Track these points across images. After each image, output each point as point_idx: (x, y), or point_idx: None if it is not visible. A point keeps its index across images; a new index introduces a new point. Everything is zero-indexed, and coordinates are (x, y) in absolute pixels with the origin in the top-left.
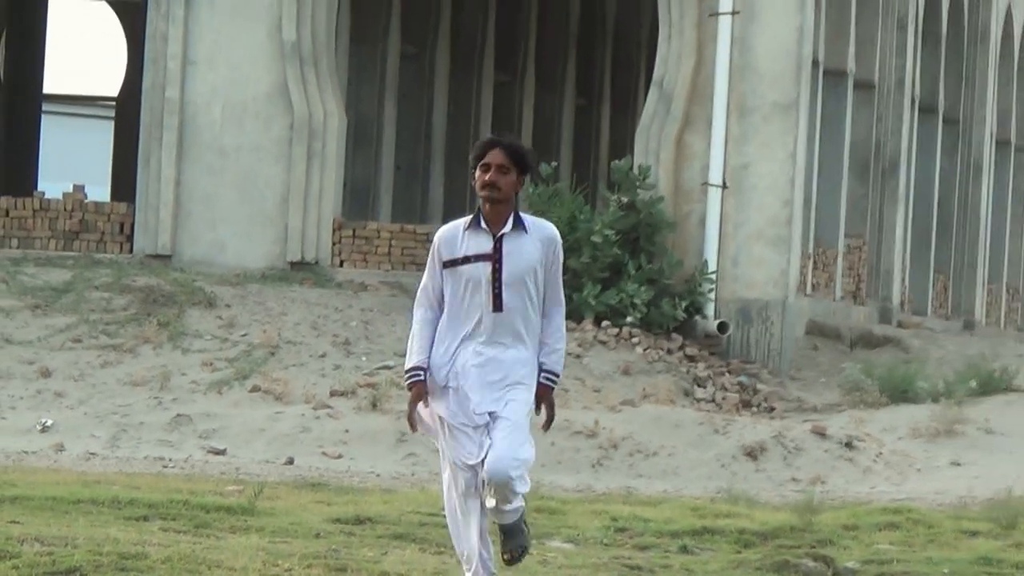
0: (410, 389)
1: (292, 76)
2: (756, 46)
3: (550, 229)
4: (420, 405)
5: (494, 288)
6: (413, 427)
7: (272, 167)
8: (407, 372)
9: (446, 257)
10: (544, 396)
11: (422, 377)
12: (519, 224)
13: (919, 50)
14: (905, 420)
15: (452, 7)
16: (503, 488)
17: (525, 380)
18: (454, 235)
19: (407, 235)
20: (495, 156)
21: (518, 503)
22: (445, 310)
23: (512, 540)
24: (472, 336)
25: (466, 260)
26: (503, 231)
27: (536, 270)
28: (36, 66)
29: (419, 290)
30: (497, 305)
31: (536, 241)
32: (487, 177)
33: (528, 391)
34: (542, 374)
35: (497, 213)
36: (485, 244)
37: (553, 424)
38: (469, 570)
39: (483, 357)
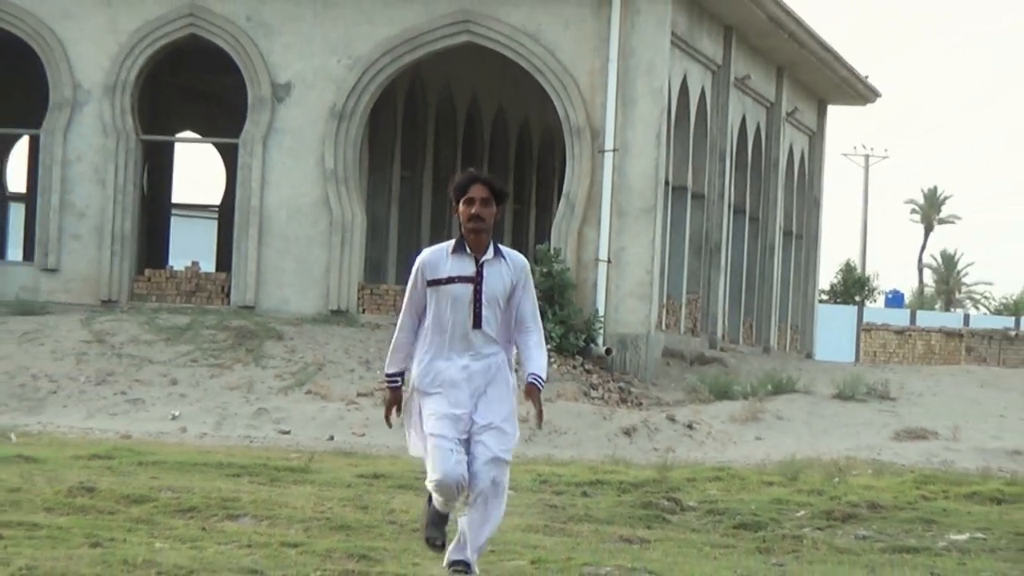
0: (389, 391)
1: (331, 191)
2: (628, 172)
3: (521, 258)
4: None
5: (475, 307)
6: (389, 423)
7: (319, 250)
8: (387, 376)
9: (430, 277)
10: (531, 394)
11: (399, 383)
12: (498, 252)
13: (733, 172)
14: (726, 411)
15: (434, 145)
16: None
17: (503, 389)
18: (438, 258)
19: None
20: (478, 191)
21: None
22: (427, 323)
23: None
24: (454, 350)
25: (450, 280)
26: (485, 257)
27: (509, 292)
28: (167, 185)
29: (404, 304)
30: (477, 323)
31: (510, 267)
32: (473, 211)
33: (509, 388)
34: (529, 375)
35: (479, 241)
36: (468, 268)
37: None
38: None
39: (468, 371)
